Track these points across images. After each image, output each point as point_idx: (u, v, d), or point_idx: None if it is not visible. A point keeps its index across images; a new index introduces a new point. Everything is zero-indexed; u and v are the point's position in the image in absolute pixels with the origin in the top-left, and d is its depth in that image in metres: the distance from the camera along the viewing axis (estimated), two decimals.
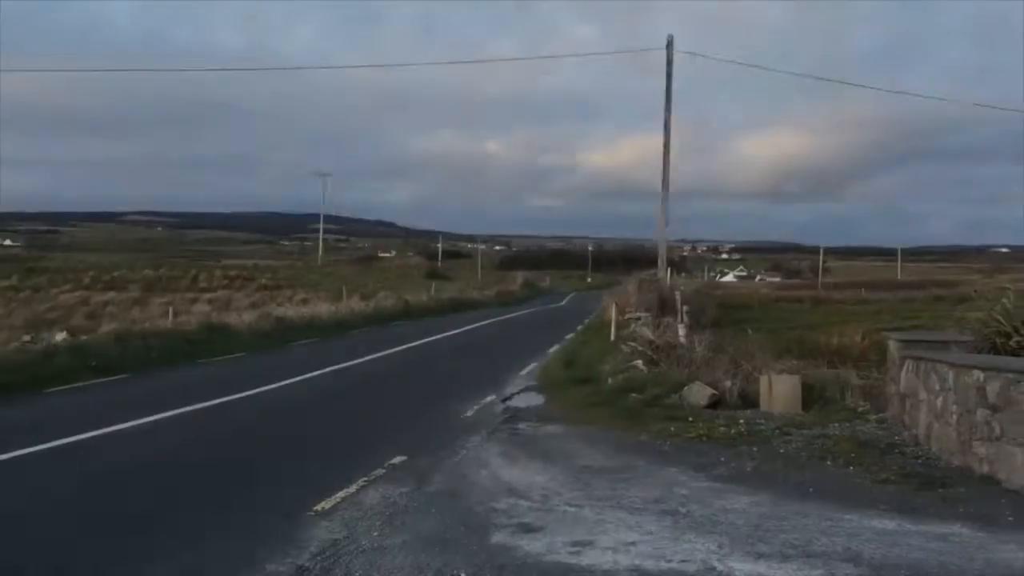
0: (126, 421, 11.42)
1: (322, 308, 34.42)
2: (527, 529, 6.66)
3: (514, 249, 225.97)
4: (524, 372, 18.05)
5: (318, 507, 7.27)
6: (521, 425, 11.65)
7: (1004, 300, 11.48)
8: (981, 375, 8.38)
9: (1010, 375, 7.99)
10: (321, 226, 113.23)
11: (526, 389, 15.54)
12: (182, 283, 66.45)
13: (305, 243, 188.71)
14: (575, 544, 6.23)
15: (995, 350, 10.73)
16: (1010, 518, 6.86)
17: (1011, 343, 10.72)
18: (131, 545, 6.32)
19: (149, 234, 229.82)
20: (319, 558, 5.95)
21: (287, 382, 15.78)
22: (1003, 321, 11.09)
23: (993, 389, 8.14)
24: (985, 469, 8.18)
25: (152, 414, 11.96)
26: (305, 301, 42.85)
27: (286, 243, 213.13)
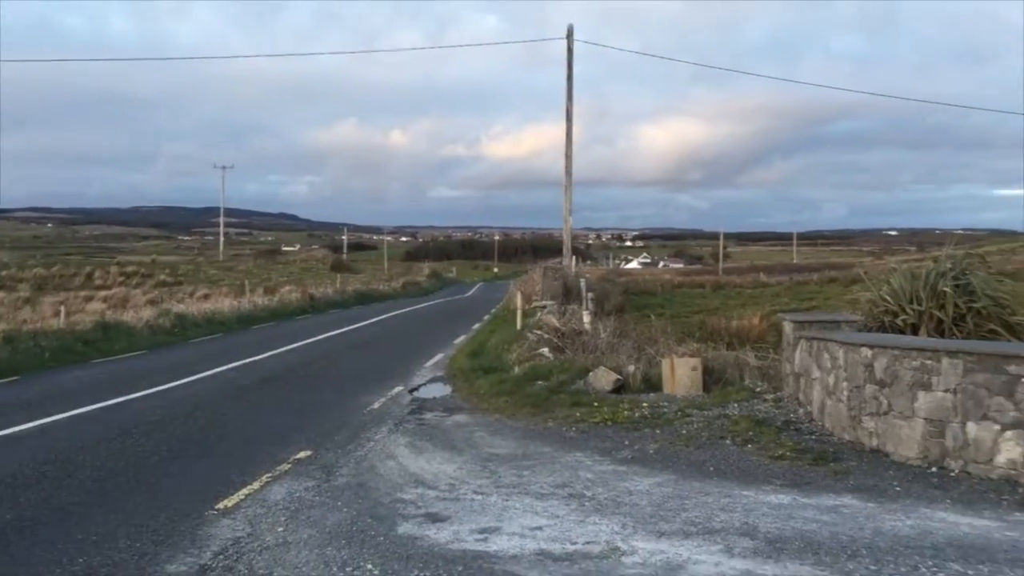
0: (15, 425, 10.96)
1: (224, 303, 33.63)
2: (434, 519, 6.66)
3: (421, 240, 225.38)
4: (431, 363, 18.01)
5: (220, 505, 7.11)
6: (428, 415, 11.63)
7: (891, 280, 11.97)
8: (869, 352, 8.75)
9: (896, 351, 8.36)
10: (222, 220, 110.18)
11: (433, 380, 15.52)
12: (76, 281, 63.87)
13: (205, 238, 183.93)
14: (482, 531, 6.26)
15: (883, 328, 11.17)
16: (897, 488, 7.19)
17: (898, 321, 11.18)
18: (23, 553, 6.06)
19: (39, 231, 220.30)
20: (221, 556, 5.83)
21: (187, 379, 15.37)
22: (890, 300, 11.55)
23: (881, 365, 8.51)
24: (874, 443, 8.54)
25: (43, 417, 11.51)
26: (206, 297, 41.83)
27: (185, 238, 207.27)
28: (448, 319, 32.95)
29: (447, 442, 9.82)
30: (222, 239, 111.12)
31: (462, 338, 23.84)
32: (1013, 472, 7.13)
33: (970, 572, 5.10)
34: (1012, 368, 7.18)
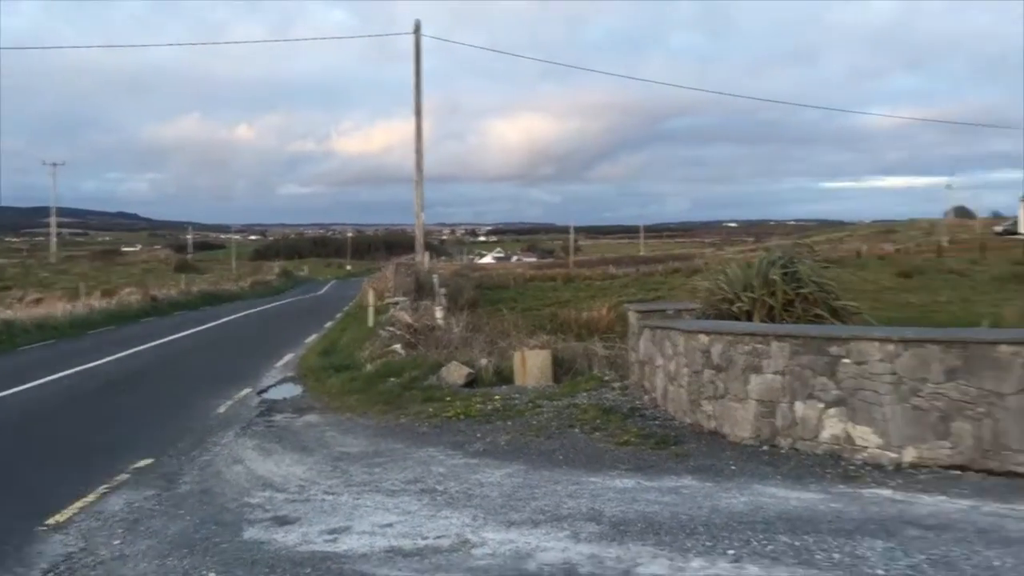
0: None
1: (57, 307, 31.72)
2: (282, 521, 6.53)
3: (270, 238, 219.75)
4: (281, 363, 17.61)
5: (51, 520, 6.74)
6: (277, 417, 11.37)
7: (727, 270, 12.54)
8: (706, 339, 9.15)
9: (731, 337, 8.77)
10: (53, 219, 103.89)
11: (283, 380, 15.18)
12: None
13: (36, 239, 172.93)
14: (331, 532, 6.19)
15: (721, 316, 11.68)
16: (733, 468, 7.55)
17: (734, 308, 11.73)
18: None
19: None
20: (51, 575, 5.53)
21: (16, 389, 14.44)
22: (726, 289, 12.10)
23: (717, 351, 8.91)
24: (712, 425, 8.94)
25: None
26: (38, 301, 39.33)
27: (14, 239, 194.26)
28: (299, 318, 32.31)
29: (297, 443, 9.63)
30: (54, 240, 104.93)
31: (313, 337, 23.42)
32: (836, 447, 7.62)
33: (796, 543, 5.41)
34: (833, 349, 7.67)
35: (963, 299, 28.91)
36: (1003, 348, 6.74)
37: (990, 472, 6.73)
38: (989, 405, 6.76)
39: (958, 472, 6.88)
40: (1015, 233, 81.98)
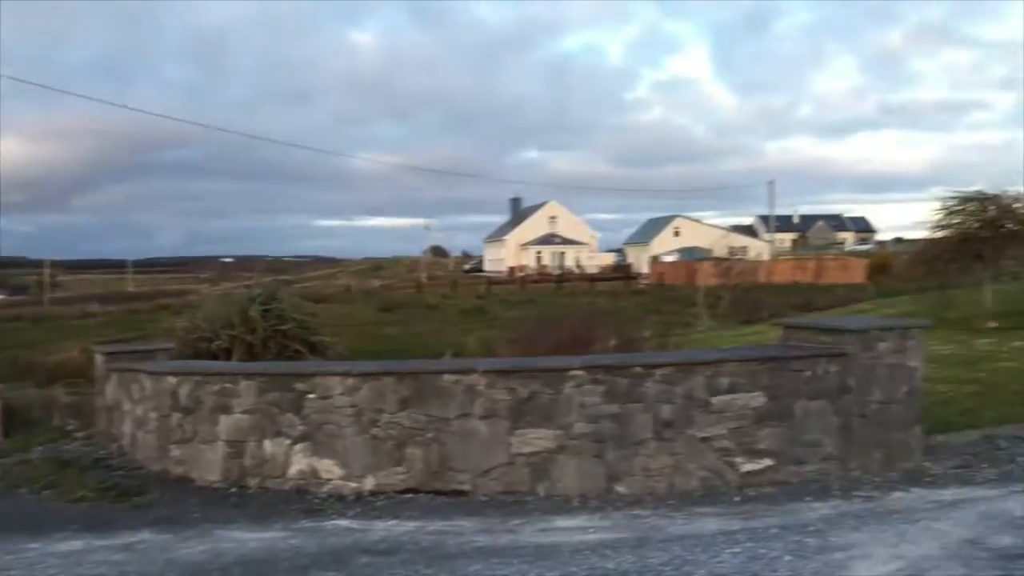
0: None
1: None
2: None
3: None
4: None
5: None
6: None
7: (205, 307, 12.18)
8: (174, 380, 8.71)
9: (199, 378, 8.47)
10: None
11: None
12: None
13: None
14: None
15: (199, 355, 11.26)
16: (196, 515, 7.22)
17: (212, 347, 11.38)
18: None
19: None
20: None
21: None
22: (204, 327, 11.72)
23: (185, 392, 8.53)
24: (180, 470, 8.52)
25: None
26: None
27: None
28: None
29: None
30: None
31: None
32: (303, 481, 7.71)
33: None
34: (299, 386, 7.78)
35: (436, 331, 31.61)
36: (447, 377, 7.40)
37: (438, 492, 7.32)
38: (436, 430, 7.35)
39: (411, 495, 7.36)
40: (480, 271, 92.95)
